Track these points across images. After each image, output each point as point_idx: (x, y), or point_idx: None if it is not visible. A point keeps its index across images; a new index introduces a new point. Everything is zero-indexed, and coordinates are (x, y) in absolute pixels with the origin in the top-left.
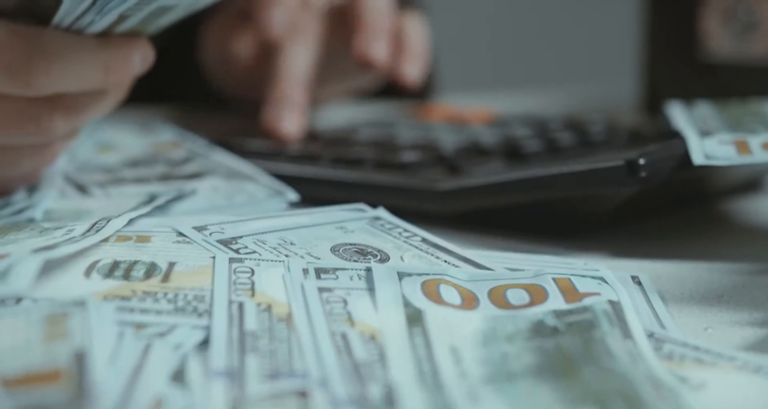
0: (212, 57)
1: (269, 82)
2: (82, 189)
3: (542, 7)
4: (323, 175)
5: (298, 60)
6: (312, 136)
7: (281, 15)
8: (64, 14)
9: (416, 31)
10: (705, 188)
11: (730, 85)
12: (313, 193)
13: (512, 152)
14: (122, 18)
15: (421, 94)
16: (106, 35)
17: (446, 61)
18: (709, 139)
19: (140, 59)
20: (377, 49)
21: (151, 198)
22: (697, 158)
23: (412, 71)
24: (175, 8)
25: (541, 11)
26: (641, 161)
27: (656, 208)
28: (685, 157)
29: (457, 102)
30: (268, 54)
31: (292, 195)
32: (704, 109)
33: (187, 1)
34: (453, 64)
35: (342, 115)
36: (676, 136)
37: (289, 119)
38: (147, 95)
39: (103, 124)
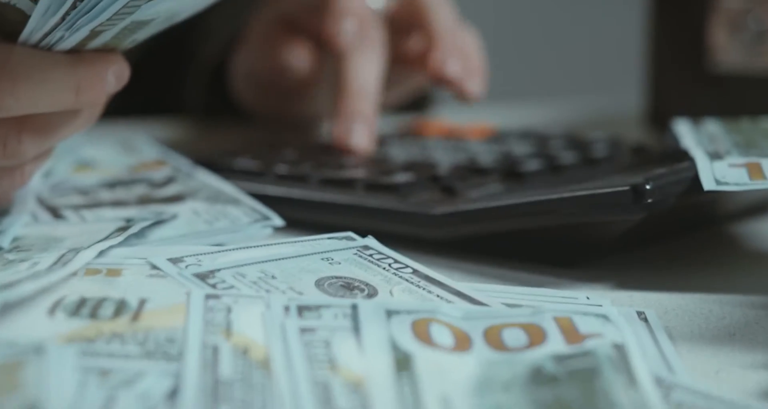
0: (250, 70)
1: (337, 94)
2: (55, 213)
3: (544, 17)
4: (311, 198)
5: (367, 72)
6: (302, 153)
7: (352, 25)
8: (32, 30)
9: (475, 45)
10: (714, 212)
11: (739, 97)
12: (301, 216)
13: (510, 171)
14: (94, 34)
15: (419, 107)
16: (77, 52)
17: None
18: (719, 162)
19: (114, 77)
20: (453, 66)
21: (128, 223)
22: (707, 183)
23: (476, 87)
24: (151, 23)
25: (543, 21)
26: (647, 186)
27: (662, 234)
28: (694, 181)
29: (458, 114)
30: (322, 66)
31: (278, 221)
32: (713, 127)
33: (164, 15)
34: None
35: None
36: (683, 156)
37: (360, 133)
38: (149, 108)
39: (83, 140)
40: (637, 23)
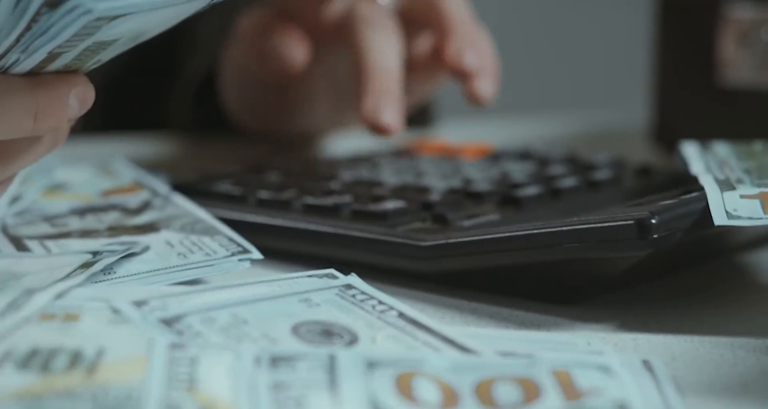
0: (238, 65)
1: (359, 75)
2: (18, 244)
3: (548, 27)
4: (293, 225)
5: (388, 53)
6: (286, 174)
7: (365, 10)
8: None
9: (489, 46)
10: (724, 243)
11: (750, 114)
12: (282, 246)
13: (508, 197)
14: (53, 56)
15: (422, 123)
16: (36, 75)
17: (449, 85)
18: (730, 193)
19: (77, 100)
20: (470, 57)
21: (94, 258)
22: (718, 218)
23: (489, 89)
24: (116, 43)
25: (546, 31)
26: (653, 221)
27: (668, 267)
28: (704, 214)
29: (458, 129)
30: (317, 66)
31: (256, 254)
32: (723, 151)
33: (129, 35)
34: (457, 88)
35: (331, 147)
36: (691, 183)
37: (391, 110)
38: (135, 123)
39: (58, 160)
40: (643, 34)
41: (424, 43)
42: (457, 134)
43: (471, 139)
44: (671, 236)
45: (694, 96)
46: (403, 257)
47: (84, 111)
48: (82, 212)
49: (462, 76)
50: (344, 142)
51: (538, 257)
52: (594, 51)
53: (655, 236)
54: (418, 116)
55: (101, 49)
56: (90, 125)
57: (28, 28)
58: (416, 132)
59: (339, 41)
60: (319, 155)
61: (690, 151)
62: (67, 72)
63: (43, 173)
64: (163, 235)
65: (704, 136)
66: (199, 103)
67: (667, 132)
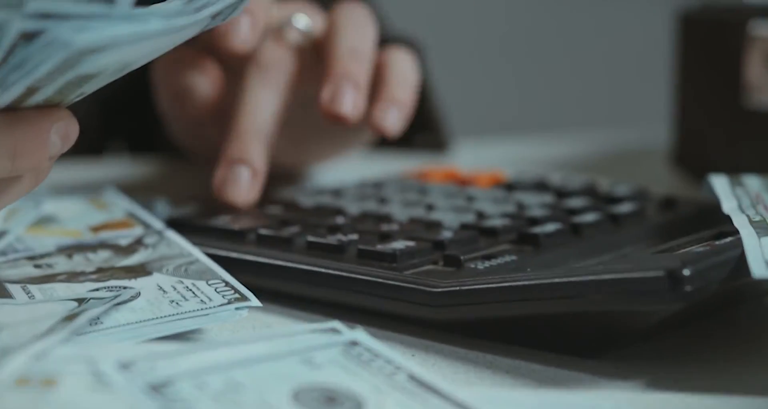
0: (164, 96)
1: (227, 133)
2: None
3: (568, 46)
4: (294, 266)
5: (260, 107)
6: (289, 206)
7: (246, 26)
8: None
9: (402, 70)
10: (762, 288)
11: None
12: (282, 288)
13: (524, 234)
14: (31, 90)
15: (436, 147)
16: (14, 110)
17: (465, 104)
18: None
19: (59, 137)
20: (347, 99)
21: (79, 307)
22: (758, 269)
23: (389, 119)
24: (100, 75)
25: (565, 49)
26: (686, 272)
27: (699, 316)
28: (740, 263)
29: (475, 148)
30: (232, 92)
31: (255, 302)
32: (754, 185)
33: (114, 67)
34: (472, 107)
35: (336, 173)
36: (719, 220)
37: (240, 184)
38: (131, 146)
39: (47, 190)
40: (665, 54)
41: None
42: (472, 155)
43: (486, 159)
44: (706, 288)
45: (717, 118)
46: (413, 303)
47: (67, 147)
48: (69, 250)
49: (338, 122)
50: (347, 170)
51: (560, 308)
52: (615, 69)
53: (688, 288)
54: (432, 140)
55: (84, 82)
56: (83, 148)
57: (4, 61)
58: (431, 157)
59: None
60: (323, 185)
61: (719, 185)
62: (49, 106)
63: (30, 206)
64: (156, 278)
65: (728, 160)
66: None
67: (690, 155)
